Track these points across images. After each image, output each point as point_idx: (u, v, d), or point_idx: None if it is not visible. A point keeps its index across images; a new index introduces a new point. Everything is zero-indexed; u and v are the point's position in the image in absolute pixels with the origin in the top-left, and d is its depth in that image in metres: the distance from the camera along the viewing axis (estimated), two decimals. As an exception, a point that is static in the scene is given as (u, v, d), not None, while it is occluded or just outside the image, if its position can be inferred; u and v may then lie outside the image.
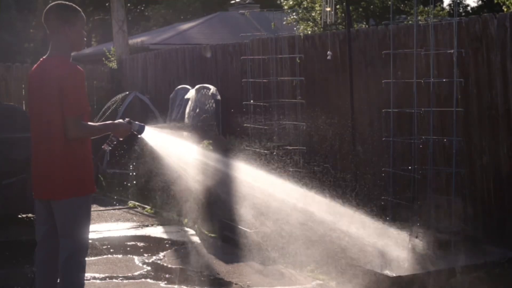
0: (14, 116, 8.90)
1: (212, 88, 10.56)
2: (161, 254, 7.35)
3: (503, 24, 6.63)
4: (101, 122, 5.15)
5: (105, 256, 7.28)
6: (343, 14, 13.39)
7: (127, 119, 4.70)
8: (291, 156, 8.21)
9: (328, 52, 8.32)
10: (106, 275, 6.58)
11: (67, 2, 4.51)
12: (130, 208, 10.04)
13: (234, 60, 10.62)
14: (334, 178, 7.37)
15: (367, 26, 14.40)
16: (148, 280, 6.43)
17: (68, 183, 4.34)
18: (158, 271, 6.70)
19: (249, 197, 6.89)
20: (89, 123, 4.41)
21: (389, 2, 15.14)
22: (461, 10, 32.94)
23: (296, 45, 8.97)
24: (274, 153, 7.95)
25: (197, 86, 10.88)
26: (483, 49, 6.82)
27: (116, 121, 4.70)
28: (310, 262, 6.45)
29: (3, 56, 21.25)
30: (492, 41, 6.73)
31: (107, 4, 21.93)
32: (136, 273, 6.64)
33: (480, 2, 33.93)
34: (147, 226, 8.87)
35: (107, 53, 15.39)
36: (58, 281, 4.44)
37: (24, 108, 12.14)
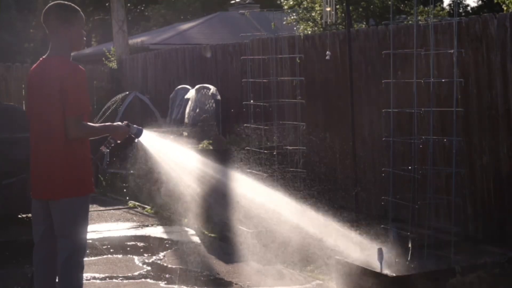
0: (14, 116, 8.90)
1: (212, 88, 10.56)
2: (161, 254, 7.35)
3: (503, 24, 6.63)
4: (101, 122, 5.16)
5: (105, 256, 7.27)
6: (343, 14, 13.39)
7: (125, 122, 4.72)
8: (292, 156, 8.20)
9: (327, 52, 8.32)
10: (106, 275, 6.57)
11: (66, 2, 4.51)
12: (130, 208, 10.03)
13: (234, 60, 10.62)
14: (334, 179, 7.37)
15: (367, 26, 14.39)
16: (148, 280, 6.43)
17: (68, 183, 4.34)
18: (158, 271, 6.70)
19: (249, 197, 6.89)
20: (89, 123, 4.42)
21: (389, 2, 15.14)
22: (461, 10, 32.98)
23: (296, 45, 8.97)
24: (274, 153, 7.94)
25: (197, 86, 10.88)
26: (483, 49, 6.82)
27: (115, 123, 4.72)
28: (310, 262, 6.46)
29: (3, 56, 21.27)
30: (492, 41, 6.73)
31: (107, 4, 21.93)
32: (136, 273, 6.64)
33: (480, 2, 33.96)
34: (147, 226, 8.86)
35: (107, 53, 15.40)
36: (57, 281, 4.44)
37: (24, 108, 12.13)
